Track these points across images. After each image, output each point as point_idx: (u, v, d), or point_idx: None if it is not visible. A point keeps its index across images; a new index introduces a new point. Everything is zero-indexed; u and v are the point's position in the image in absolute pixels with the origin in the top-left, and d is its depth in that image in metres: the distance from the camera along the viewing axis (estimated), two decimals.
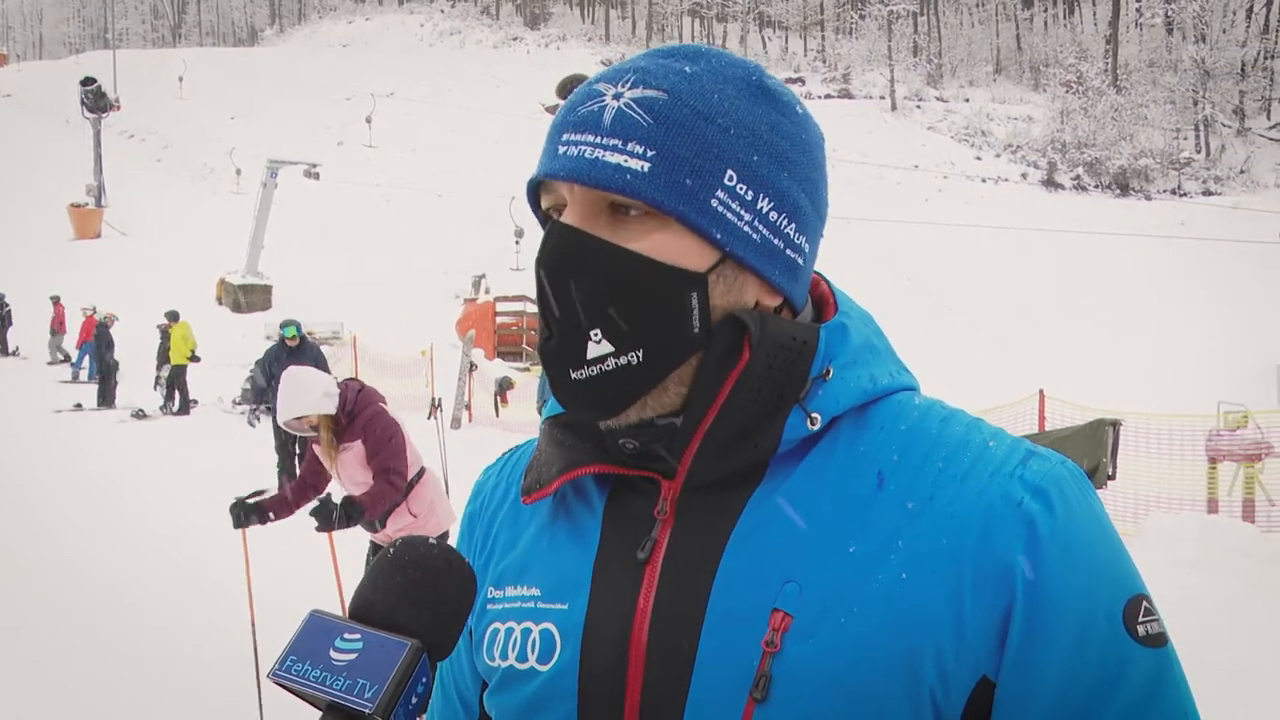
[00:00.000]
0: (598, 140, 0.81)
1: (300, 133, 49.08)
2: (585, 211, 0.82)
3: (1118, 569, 0.81)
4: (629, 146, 0.80)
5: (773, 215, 0.84)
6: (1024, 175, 49.57)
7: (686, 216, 0.81)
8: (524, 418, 15.90)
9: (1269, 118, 54.52)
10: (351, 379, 4.75)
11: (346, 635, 0.73)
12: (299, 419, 4.43)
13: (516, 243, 29.41)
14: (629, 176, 0.80)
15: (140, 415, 16.89)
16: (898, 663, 0.76)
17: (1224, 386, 15.46)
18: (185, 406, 17.57)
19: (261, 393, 10.95)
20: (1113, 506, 10.18)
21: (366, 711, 0.69)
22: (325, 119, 53.41)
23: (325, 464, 4.57)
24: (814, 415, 0.83)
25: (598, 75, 0.86)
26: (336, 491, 4.62)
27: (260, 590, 4.94)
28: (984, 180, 48.03)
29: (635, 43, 75.98)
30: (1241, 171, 48.86)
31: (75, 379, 21.89)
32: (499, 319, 25.94)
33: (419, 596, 0.75)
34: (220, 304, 30.64)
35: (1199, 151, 51.67)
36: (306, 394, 4.43)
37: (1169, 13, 57.94)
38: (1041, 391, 11.85)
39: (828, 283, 0.95)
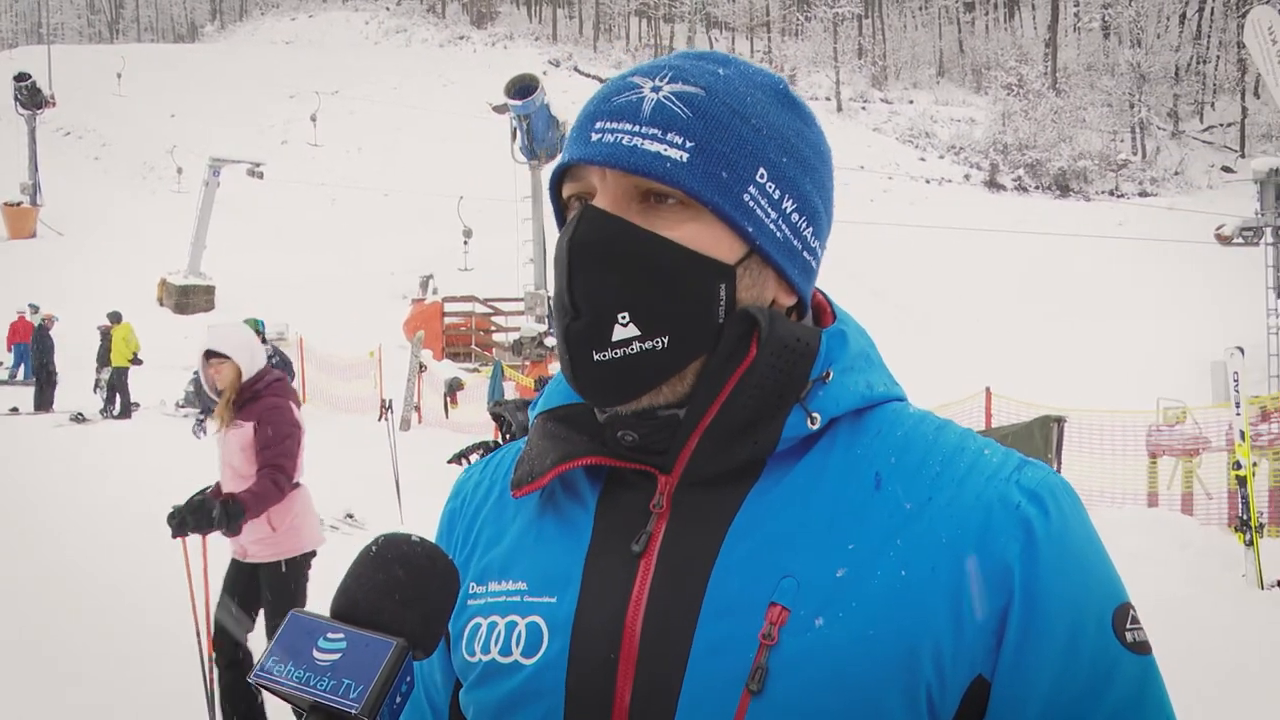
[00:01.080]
0: (636, 129, 0.83)
1: (243, 131, 48.29)
2: (617, 198, 0.84)
3: (1107, 575, 0.83)
4: (668, 136, 0.82)
5: (795, 216, 0.87)
6: (967, 176, 50.30)
7: (721, 208, 0.83)
8: (474, 419, 15.79)
9: (1202, 120, 55.89)
10: (280, 376, 4.58)
11: (330, 635, 0.72)
12: (217, 361, 4.31)
13: (465, 243, 29.18)
14: (669, 165, 0.82)
15: (79, 419, 16.48)
16: (895, 659, 0.77)
17: (1163, 383, 15.83)
18: (126, 410, 17.20)
19: (209, 400, 9.73)
20: None
21: (353, 712, 0.68)
22: (269, 117, 52.62)
23: (215, 427, 4.42)
24: (814, 415, 0.85)
25: (632, 70, 0.88)
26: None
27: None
28: (928, 181, 48.66)
29: (583, 42, 75.81)
30: (1176, 173, 50.02)
31: (12, 379, 21.32)
32: (447, 319, 25.72)
33: (403, 595, 0.74)
34: (162, 305, 30.05)
35: (1135, 153, 52.81)
36: (239, 341, 4.36)
37: (1106, 17, 59.18)
38: (988, 389, 12.03)
39: (825, 295, 0.97)
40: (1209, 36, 59.10)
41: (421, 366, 17.63)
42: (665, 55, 0.90)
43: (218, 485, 4.46)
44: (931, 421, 0.89)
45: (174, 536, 4.20)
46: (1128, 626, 0.81)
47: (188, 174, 39.51)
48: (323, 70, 59.62)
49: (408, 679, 0.72)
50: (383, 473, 9.96)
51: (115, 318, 18.04)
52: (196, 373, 17.95)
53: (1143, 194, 46.96)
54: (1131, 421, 11.53)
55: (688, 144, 0.82)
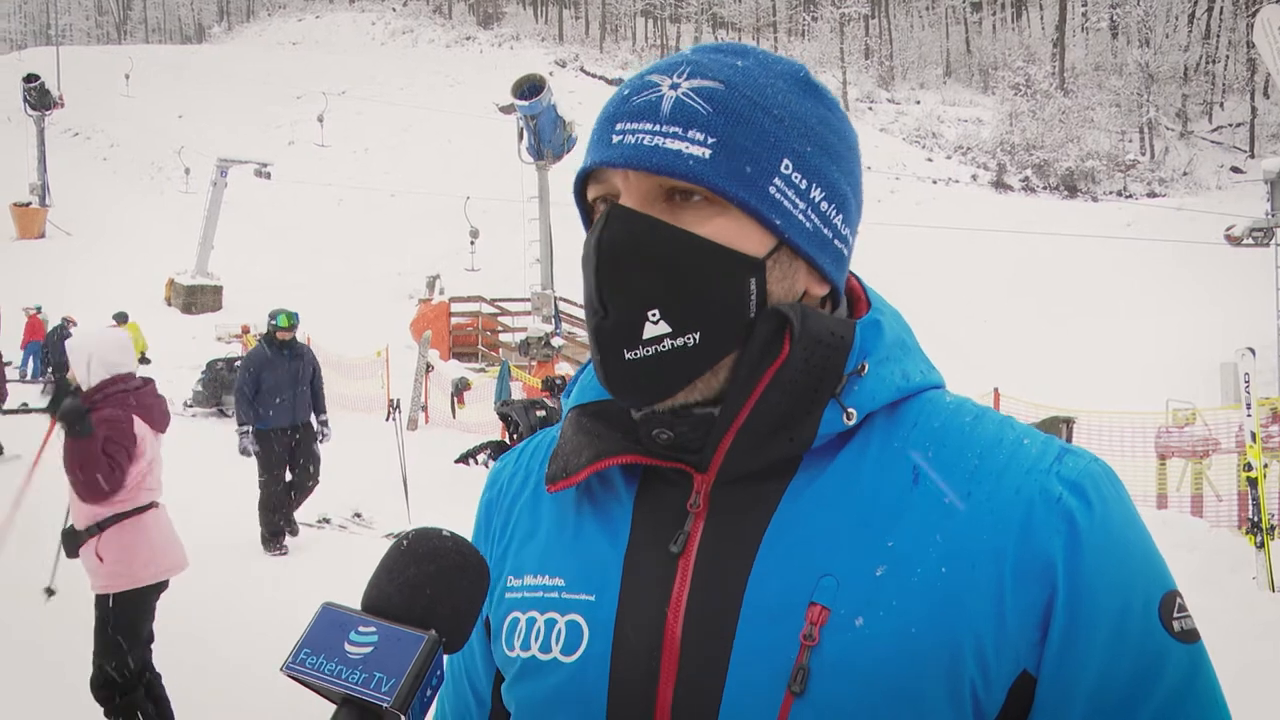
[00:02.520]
0: (656, 128, 0.82)
1: (251, 132, 48.43)
2: (642, 198, 0.83)
3: (1152, 564, 0.82)
4: (690, 134, 0.82)
5: (824, 205, 0.86)
6: (974, 177, 50.25)
7: (747, 202, 0.82)
8: (481, 419, 15.80)
9: (1211, 121, 55.75)
10: (148, 386, 4.43)
11: (361, 628, 0.72)
12: (71, 363, 4.26)
13: (471, 243, 29.22)
14: (691, 162, 0.81)
15: None
16: (938, 656, 0.77)
17: (1172, 384, 15.79)
18: None
19: (250, 404, 8.64)
20: None
21: (385, 705, 0.69)
22: (276, 118, 52.75)
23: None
24: (850, 410, 0.84)
25: (649, 68, 0.87)
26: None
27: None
28: (935, 181, 48.62)
29: (589, 43, 75.89)
30: (1185, 174, 49.91)
31: (22, 378, 21.40)
32: (454, 319, 25.74)
33: (434, 589, 0.74)
34: (169, 305, 30.12)
35: (1144, 154, 52.72)
36: (79, 350, 4.25)
37: (1114, 17, 59.10)
38: (996, 390, 12.02)
39: (858, 279, 0.96)
40: (1218, 36, 58.96)
41: (428, 367, 17.65)
42: (683, 50, 0.89)
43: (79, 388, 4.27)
44: (969, 409, 0.88)
45: (68, 557, 4.19)
46: (1175, 615, 0.80)
47: (195, 174, 39.62)
48: (330, 71, 59.77)
49: (438, 672, 0.72)
50: (390, 472, 9.97)
51: (122, 318, 18.16)
52: (204, 372, 18.03)
53: (1151, 194, 46.86)
54: (1140, 423, 11.51)
55: (709, 140, 0.82)
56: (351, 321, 26.62)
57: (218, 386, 17.48)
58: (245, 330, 22.25)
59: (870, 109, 59.67)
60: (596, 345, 0.85)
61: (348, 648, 0.71)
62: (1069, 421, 10.10)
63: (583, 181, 0.89)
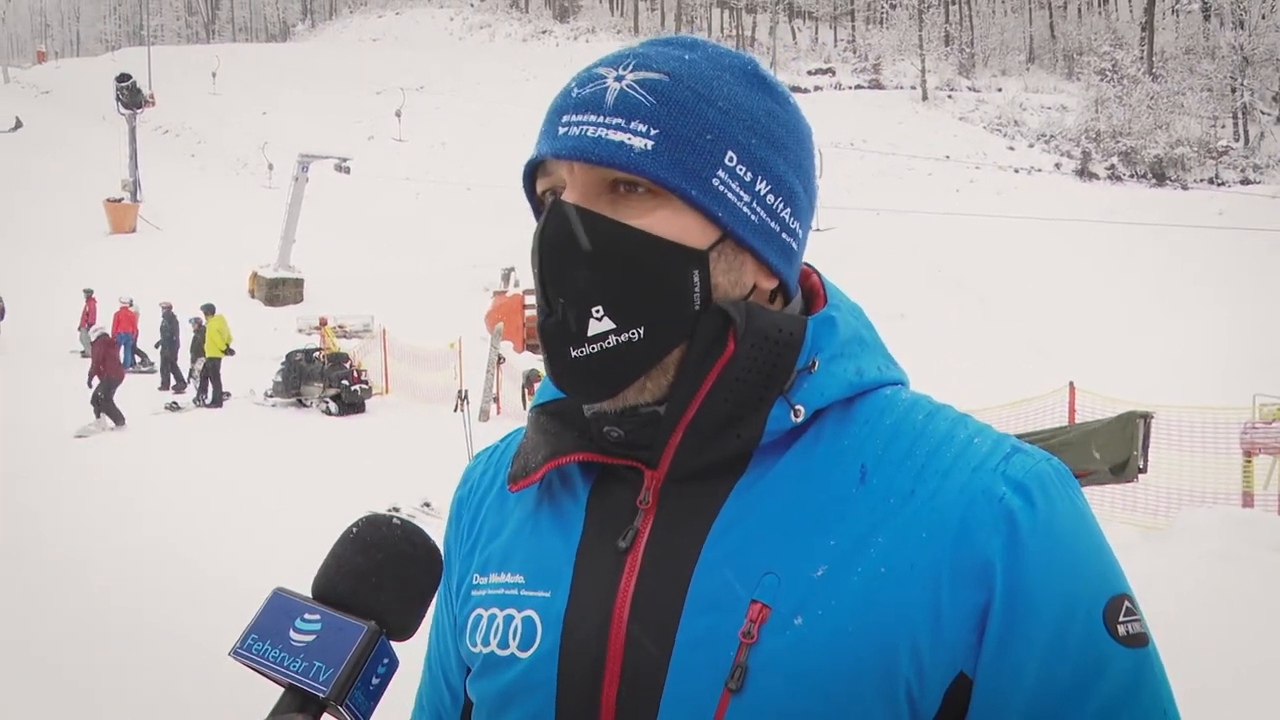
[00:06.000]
0: (600, 120, 0.82)
1: (331, 127, 49.36)
2: (586, 190, 0.83)
3: (1100, 568, 0.80)
4: (632, 125, 0.81)
5: (770, 198, 0.85)
6: (1057, 165, 48.93)
7: (689, 194, 0.82)
8: None
9: None
10: None
11: (307, 615, 0.73)
12: None
13: None
14: (634, 154, 0.81)
15: (174, 408, 17.10)
16: (873, 658, 0.76)
17: (1259, 379, 15.22)
18: (219, 399, 17.76)
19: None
20: (1144, 501, 10.06)
21: (321, 696, 0.69)
22: (356, 113, 53.69)
23: None
24: (798, 407, 0.83)
25: (597, 61, 0.87)
26: None
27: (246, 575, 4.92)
28: (1016, 170, 47.47)
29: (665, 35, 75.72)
30: None
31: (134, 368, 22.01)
32: (527, 311, 25.93)
33: (380, 578, 0.75)
34: (253, 297, 30.87)
35: (1237, 140, 50.75)
36: None
37: None
38: (1072, 384, 11.71)
39: (818, 274, 0.95)
40: None
41: (500, 358, 17.83)
42: (634, 44, 0.89)
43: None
44: (923, 407, 0.87)
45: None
46: (1120, 619, 0.79)
47: (278, 169, 40.53)
48: (408, 67, 60.63)
49: (384, 660, 0.73)
50: (460, 462, 10.10)
51: (209, 310, 18.63)
52: (283, 363, 18.43)
53: (1245, 182, 45.13)
54: (1224, 418, 11.11)
55: (652, 131, 0.81)
56: (427, 313, 26.99)
57: (296, 377, 17.88)
58: (323, 322, 22.68)
59: (950, 97, 58.47)
60: (543, 343, 0.85)
61: (292, 635, 0.72)
62: (1147, 417, 9.75)
63: (532, 174, 0.89)
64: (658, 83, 0.83)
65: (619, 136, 0.81)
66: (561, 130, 0.84)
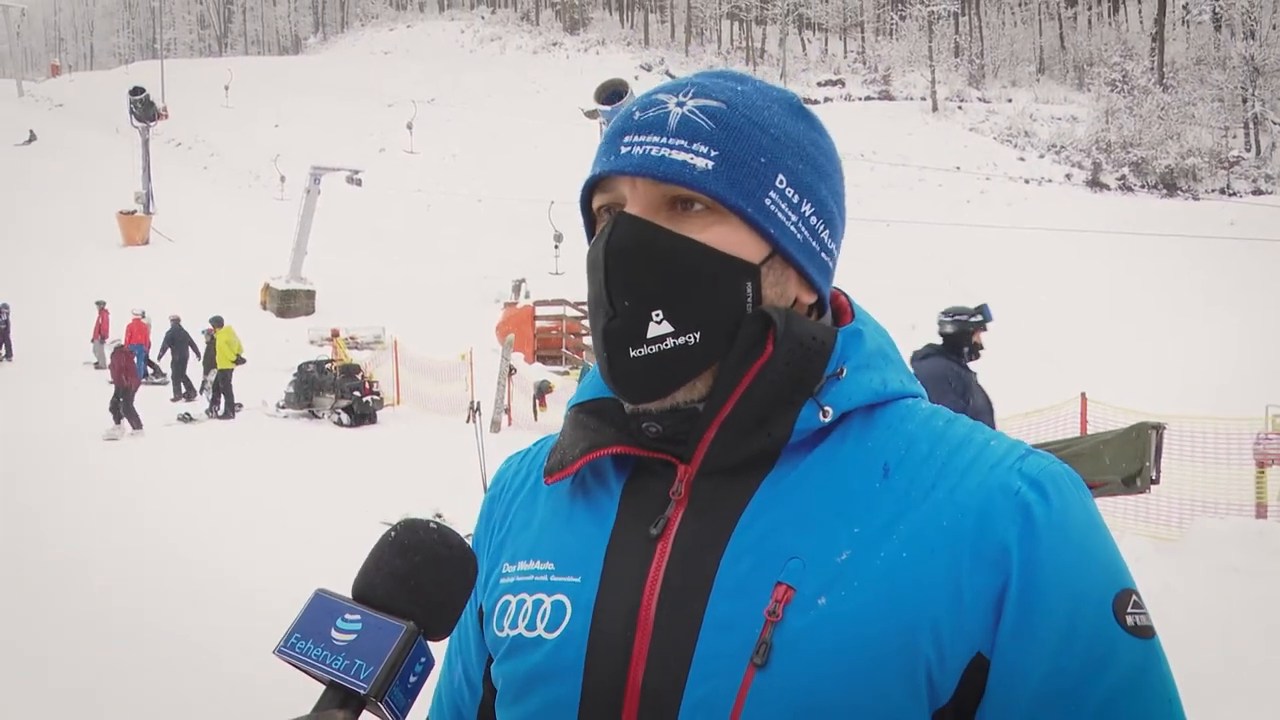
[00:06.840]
0: (664, 140, 0.89)
1: (343, 139, 49.67)
2: (648, 205, 0.90)
3: (1109, 561, 0.86)
4: (694, 146, 0.89)
5: (813, 219, 0.93)
6: (1068, 176, 48.90)
7: (745, 212, 0.89)
8: (563, 421, 15.92)
9: None
10: None
11: (347, 615, 0.76)
12: None
13: (556, 247, 29.48)
14: (695, 172, 0.88)
15: (186, 419, 17.17)
16: (895, 637, 0.81)
17: (1272, 389, 15.16)
18: (230, 410, 17.84)
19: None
20: (1157, 512, 10.02)
21: (362, 692, 0.72)
22: (367, 126, 54.00)
23: None
24: (826, 408, 0.89)
25: (655, 88, 0.94)
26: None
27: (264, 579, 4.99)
28: (1027, 181, 47.46)
29: (674, 47, 75.99)
30: None
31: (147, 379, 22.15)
32: (538, 323, 26.02)
33: (418, 580, 0.78)
34: (264, 309, 31.02)
35: (1248, 150, 50.63)
36: None
37: (1217, 9, 56.91)
38: (1083, 394, 11.69)
39: (846, 295, 1.02)
40: None
41: (512, 369, 17.88)
42: (685, 76, 0.96)
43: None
44: (942, 415, 0.93)
45: None
46: (1129, 610, 0.84)
47: (290, 182, 40.77)
48: (420, 79, 61.03)
49: (421, 659, 0.76)
50: (472, 472, 10.15)
51: (217, 322, 18.72)
52: (295, 374, 18.49)
53: (1256, 192, 45.03)
54: (1237, 429, 11.06)
55: (712, 153, 0.88)
56: (438, 325, 27.10)
57: (308, 388, 17.94)
58: (335, 334, 22.77)
59: (960, 108, 58.50)
60: (604, 343, 0.91)
61: (334, 634, 0.75)
62: (1159, 427, 9.72)
63: (589, 191, 0.95)
64: (717, 110, 0.90)
65: (682, 156, 0.88)
66: (624, 149, 0.90)
